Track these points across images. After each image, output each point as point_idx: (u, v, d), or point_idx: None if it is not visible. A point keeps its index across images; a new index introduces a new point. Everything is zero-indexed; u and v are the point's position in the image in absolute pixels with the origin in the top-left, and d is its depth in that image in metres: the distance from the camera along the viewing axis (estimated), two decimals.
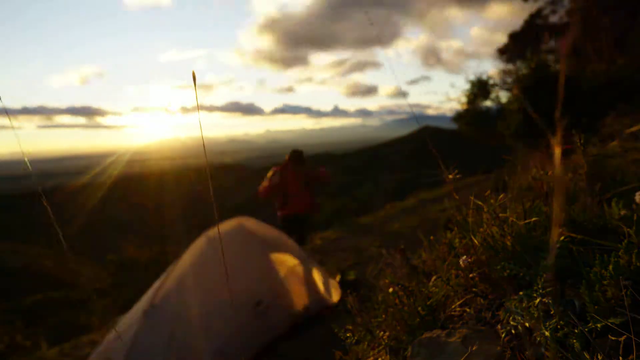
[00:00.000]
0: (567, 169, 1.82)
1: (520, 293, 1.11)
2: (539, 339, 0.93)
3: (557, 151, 0.42)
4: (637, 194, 1.33)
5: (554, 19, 14.46)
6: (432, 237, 1.97)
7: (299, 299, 4.63)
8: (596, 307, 0.95)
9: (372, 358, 1.44)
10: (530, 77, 8.66)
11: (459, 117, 16.00)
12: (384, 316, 1.56)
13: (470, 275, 1.38)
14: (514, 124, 8.98)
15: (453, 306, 1.40)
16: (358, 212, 15.30)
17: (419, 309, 1.41)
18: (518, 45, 15.11)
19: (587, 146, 1.43)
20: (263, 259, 4.56)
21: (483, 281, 1.35)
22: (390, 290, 1.66)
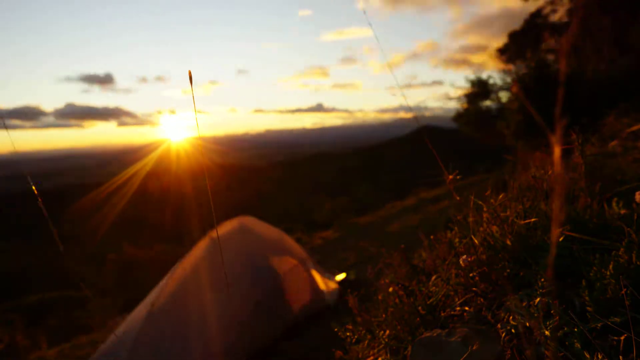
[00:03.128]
0: (567, 169, 1.82)
1: (521, 292, 1.11)
2: (539, 338, 0.93)
3: (557, 150, 0.42)
4: (637, 193, 1.33)
5: (554, 18, 14.47)
6: (432, 237, 1.97)
7: (299, 298, 4.64)
8: (596, 306, 0.95)
9: (372, 357, 1.44)
10: (530, 77, 8.68)
11: (459, 117, 16.01)
12: (384, 315, 1.56)
13: (471, 274, 1.38)
14: (514, 123, 8.99)
15: (453, 305, 1.40)
16: (358, 212, 15.32)
17: (419, 308, 1.41)
18: (518, 45, 15.13)
19: (586, 145, 1.43)
20: (263, 259, 4.58)
21: (483, 280, 1.35)
22: (391, 289, 1.66)
